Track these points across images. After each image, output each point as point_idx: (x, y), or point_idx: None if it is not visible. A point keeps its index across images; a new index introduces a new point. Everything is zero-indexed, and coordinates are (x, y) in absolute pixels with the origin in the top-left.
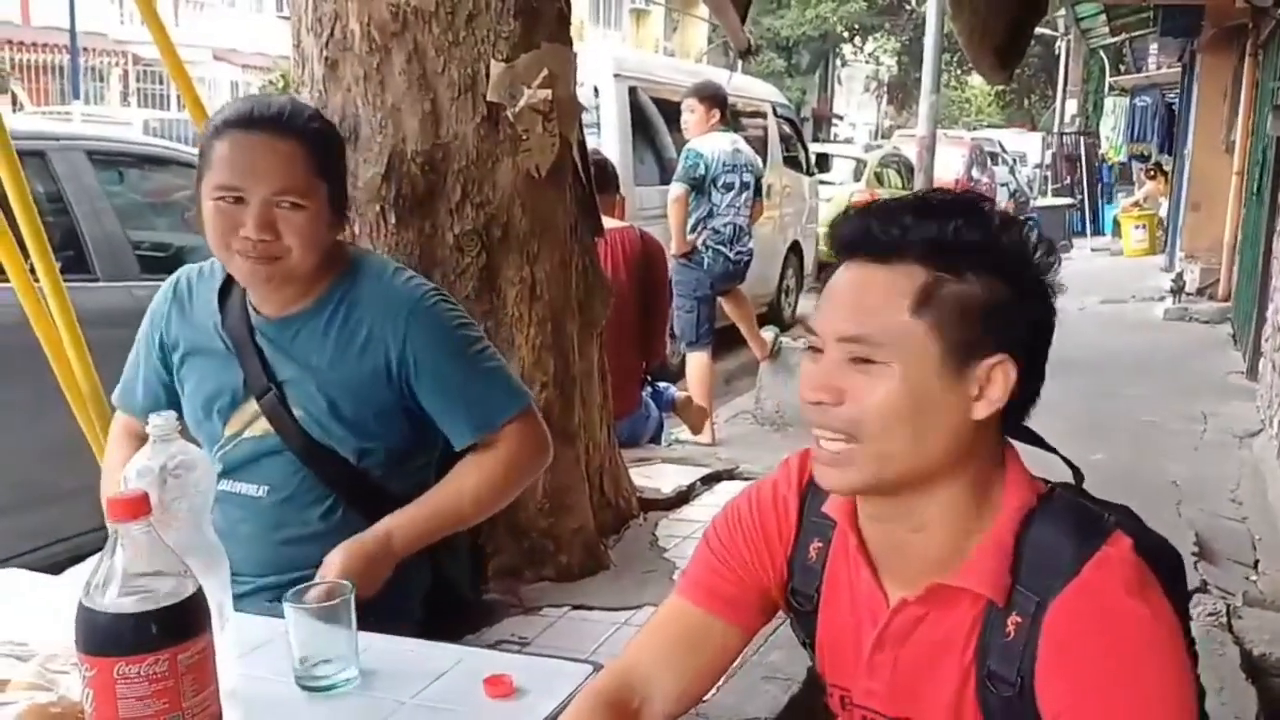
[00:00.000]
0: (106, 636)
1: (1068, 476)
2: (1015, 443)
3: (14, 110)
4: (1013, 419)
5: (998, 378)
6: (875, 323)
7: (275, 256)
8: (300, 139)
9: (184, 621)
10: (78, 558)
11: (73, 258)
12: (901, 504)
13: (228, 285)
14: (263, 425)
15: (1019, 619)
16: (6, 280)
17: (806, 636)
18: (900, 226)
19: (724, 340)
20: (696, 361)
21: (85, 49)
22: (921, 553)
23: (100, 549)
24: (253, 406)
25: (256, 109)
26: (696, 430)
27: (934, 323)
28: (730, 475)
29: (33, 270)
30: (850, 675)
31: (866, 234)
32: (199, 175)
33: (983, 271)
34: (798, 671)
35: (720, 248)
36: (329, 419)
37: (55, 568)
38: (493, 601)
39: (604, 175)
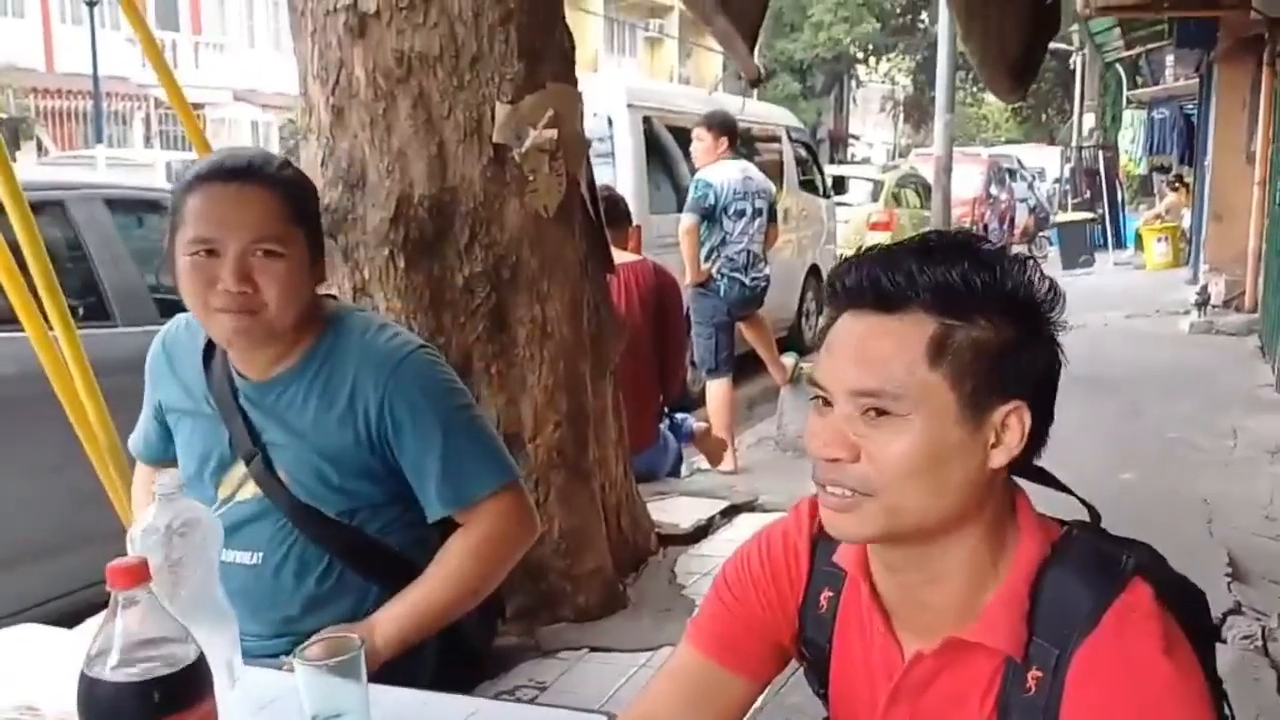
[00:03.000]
0: (108, 708)
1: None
2: (1024, 482)
3: (39, 155)
4: (1022, 460)
5: (1013, 424)
6: (891, 375)
7: (254, 310)
8: (273, 186)
9: (186, 689)
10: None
11: (92, 304)
12: (917, 555)
13: (211, 346)
14: (252, 488)
15: (1039, 673)
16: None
17: (820, 686)
18: (905, 274)
19: (745, 366)
20: (717, 390)
21: (108, 94)
22: (938, 604)
23: None
24: (241, 469)
25: (227, 161)
26: (715, 462)
27: (951, 373)
28: (750, 508)
29: (48, 321)
30: None
31: (872, 284)
32: (171, 234)
33: (992, 315)
34: (818, 712)
35: (735, 274)
36: (315, 482)
37: (92, 609)
38: (509, 646)
39: (615, 211)
